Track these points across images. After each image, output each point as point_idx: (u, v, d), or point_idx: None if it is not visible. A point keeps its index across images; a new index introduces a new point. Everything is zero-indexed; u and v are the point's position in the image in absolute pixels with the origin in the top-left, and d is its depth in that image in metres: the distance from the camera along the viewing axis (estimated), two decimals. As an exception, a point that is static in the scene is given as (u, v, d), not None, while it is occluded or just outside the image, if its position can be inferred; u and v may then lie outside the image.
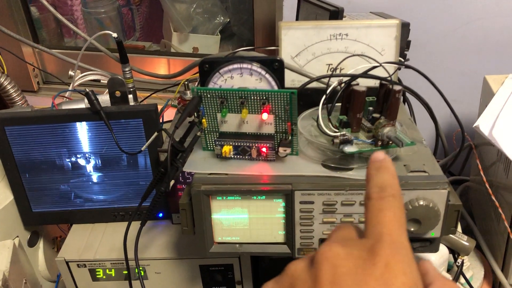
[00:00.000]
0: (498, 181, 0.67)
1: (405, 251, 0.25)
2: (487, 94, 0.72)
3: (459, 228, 0.66)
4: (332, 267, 0.25)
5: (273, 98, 0.49)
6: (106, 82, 0.85)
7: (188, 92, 0.68)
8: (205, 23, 1.25)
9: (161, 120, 0.79)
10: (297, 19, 0.84)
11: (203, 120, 0.51)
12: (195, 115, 0.51)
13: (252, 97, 0.49)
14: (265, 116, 0.50)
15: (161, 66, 1.14)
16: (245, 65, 0.54)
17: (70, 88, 0.76)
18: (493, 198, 0.61)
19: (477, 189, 0.79)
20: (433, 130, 0.64)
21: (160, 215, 0.67)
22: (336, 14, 0.67)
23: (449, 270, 0.64)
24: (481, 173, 0.63)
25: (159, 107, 0.80)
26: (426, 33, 0.89)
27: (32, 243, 0.72)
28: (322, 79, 0.57)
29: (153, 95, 0.94)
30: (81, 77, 0.83)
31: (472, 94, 0.84)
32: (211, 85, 0.56)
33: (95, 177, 0.65)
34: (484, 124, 0.61)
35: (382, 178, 0.29)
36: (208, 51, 1.23)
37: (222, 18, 1.25)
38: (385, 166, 0.30)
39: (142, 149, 0.57)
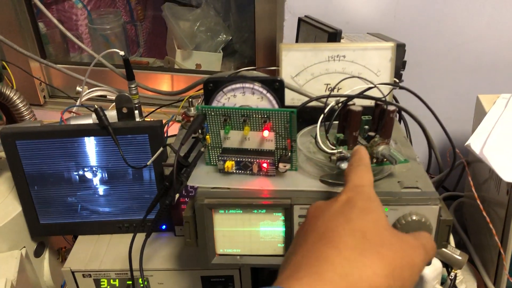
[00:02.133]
0: (490, 197, 0.69)
1: (363, 190, 0.40)
2: (479, 113, 0.75)
3: (452, 243, 0.68)
4: (314, 208, 0.41)
5: (274, 117, 0.51)
6: (112, 97, 0.89)
7: (192, 108, 0.71)
8: (208, 40, 1.28)
9: (165, 135, 0.81)
10: (297, 39, 0.87)
11: (207, 137, 0.54)
12: (199, 131, 0.54)
13: (254, 115, 0.52)
14: (266, 133, 0.52)
15: (164, 82, 1.18)
16: (247, 85, 0.57)
17: (78, 103, 0.79)
18: (484, 214, 0.63)
19: (471, 204, 0.81)
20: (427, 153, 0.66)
21: (163, 227, 0.69)
22: (334, 35, 0.71)
23: (442, 283, 0.66)
24: (473, 190, 0.66)
25: (164, 122, 0.83)
26: (421, 54, 0.92)
27: (38, 253, 0.74)
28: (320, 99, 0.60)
29: (157, 110, 0.97)
30: (88, 92, 0.86)
31: (466, 113, 0.86)
32: (215, 103, 0.59)
33: (101, 190, 0.68)
34: (475, 143, 0.63)
35: (360, 154, 0.45)
36: (210, 68, 1.26)
37: (224, 36, 1.29)
38: (361, 151, 0.46)
39: (148, 163, 0.60)
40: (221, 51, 1.29)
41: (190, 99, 0.71)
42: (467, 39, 0.90)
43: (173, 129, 0.86)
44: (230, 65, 1.29)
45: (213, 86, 0.58)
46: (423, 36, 0.92)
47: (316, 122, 0.54)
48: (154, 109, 0.94)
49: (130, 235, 0.61)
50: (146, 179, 0.67)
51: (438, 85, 0.95)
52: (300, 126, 0.60)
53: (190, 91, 0.88)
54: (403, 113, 0.77)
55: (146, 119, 1.00)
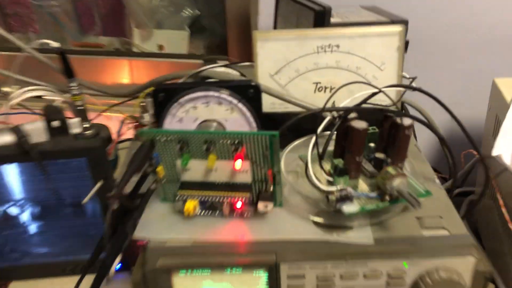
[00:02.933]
0: (509, 191, 0.57)
1: None
2: (496, 100, 0.62)
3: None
4: None
5: (248, 141, 0.37)
6: (52, 98, 0.72)
7: (145, 115, 0.56)
8: (171, 16, 1.11)
9: (120, 139, 0.67)
10: (275, 16, 0.72)
11: (159, 169, 0.40)
12: (148, 163, 0.39)
13: (221, 141, 0.38)
14: (238, 164, 0.38)
15: (122, 68, 1.01)
16: (211, 93, 0.43)
17: (1, 111, 0.63)
18: (510, 226, 0.52)
19: (484, 203, 0.70)
20: (435, 144, 0.55)
21: (118, 266, 0.55)
22: (322, 15, 0.55)
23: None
24: (499, 197, 0.53)
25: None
26: (425, 29, 0.79)
27: (-34, 300, 0.60)
28: (310, 107, 0.46)
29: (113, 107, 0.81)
30: (22, 93, 0.69)
31: (478, 97, 0.74)
32: (168, 118, 0.44)
33: (33, 227, 0.53)
34: (504, 151, 0.50)
35: None
36: (176, 49, 1.10)
37: (190, 11, 1.12)
38: None
39: (84, 202, 0.45)
40: (187, 28, 1.12)
41: (142, 103, 0.56)
42: (477, 11, 0.78)
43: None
44: (199, 44, 1.13)
45: (165, 96, 0.43)
46: (427, 8, 0.78)
47: (304, 130, 0.41)
48: (106, 108, 0.78)
49: (77, 278, 0.47)
50: (89, 212, 0.52)
51: (444, 66, 0.83)
52: (285, 138, 0.46)
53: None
54: (405, 105, 0.63)
55: (106, 113, 0.85)
